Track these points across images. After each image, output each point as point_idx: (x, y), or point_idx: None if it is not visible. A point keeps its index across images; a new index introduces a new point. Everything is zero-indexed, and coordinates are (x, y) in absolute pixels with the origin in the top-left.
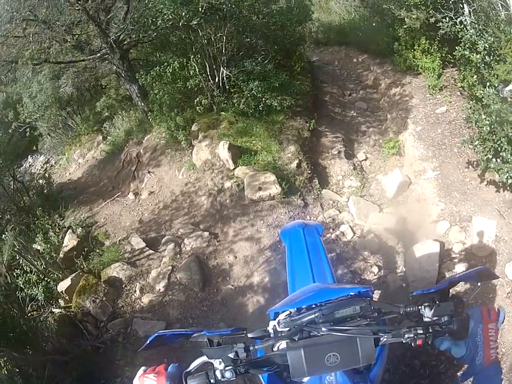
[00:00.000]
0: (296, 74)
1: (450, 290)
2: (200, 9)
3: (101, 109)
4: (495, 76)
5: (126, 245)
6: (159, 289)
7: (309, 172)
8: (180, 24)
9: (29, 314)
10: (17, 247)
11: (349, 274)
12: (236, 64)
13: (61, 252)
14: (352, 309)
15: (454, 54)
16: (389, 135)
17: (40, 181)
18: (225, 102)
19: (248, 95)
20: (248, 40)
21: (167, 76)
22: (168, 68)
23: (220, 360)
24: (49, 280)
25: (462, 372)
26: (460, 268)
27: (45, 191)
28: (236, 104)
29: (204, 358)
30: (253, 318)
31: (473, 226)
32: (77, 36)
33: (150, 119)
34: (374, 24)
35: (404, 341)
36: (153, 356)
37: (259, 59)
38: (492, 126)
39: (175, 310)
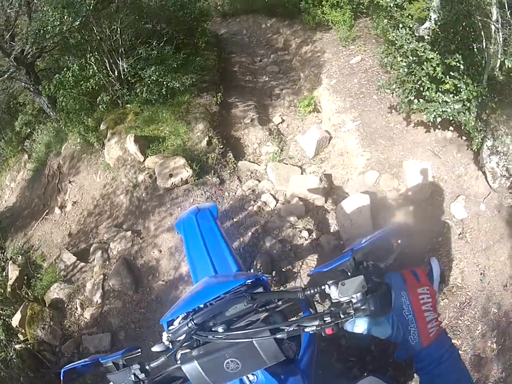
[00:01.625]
0: (201, 50)
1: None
2: (87, 7)
3: (20, 127)
4: (409, 16)
5: (59, 263)
6: (97, 301)
7: (221, 146)
8: (65, 28)
9: None
10: None
11: (278, 244)
12: (133, 53)
13: (8, 286)
14: (243, 304)
15: (364, 3)
16: (304, 94)
17: None
18: (128, 94)
19: (149, 82)
20: (149, 26)
21: (69, 81)
22: (68, 72)
23: None
24: (3, 317)
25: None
26: (399, 216)
27: None
28: (139, 94)
29: None
30: None
31: (405, 172)
32: None
33: (63, 128)
34: None
35: (310, 332)
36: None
37: (154, 43)
38: (410, 67)
39: (115, 318)
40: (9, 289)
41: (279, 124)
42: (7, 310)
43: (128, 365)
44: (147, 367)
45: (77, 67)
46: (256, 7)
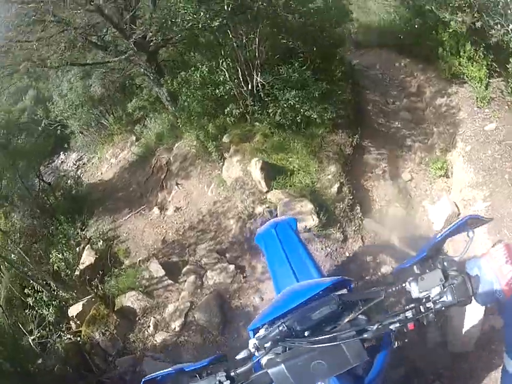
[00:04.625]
0: (337, 80)
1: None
2: (225, 7)
3: (132, 109)
4: None
5: (144, 270)
6: (175, 328)
7: (351, 197)
8: (200, 26)
9: (38, 335)
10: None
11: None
12: (271, 70)
13: (77, 269)
14: (328, 307)
15: (501, 62)
16: (436, 153)
17: (69, 181)
18: (260, 112)
19: (285, 105)
20: (284, 41)
21: (195, 81)
22: (196, 72)
23: None
24: (60, 299)
25: None
26: None
27: (73, 192)
28: (271, 115)
29: None
30: None
31: None
32: (101, 36)
33: (180, 126)
34: (416, 27)
35: (393, 329)
36: None
37: (296, 65)
38: None
39: (189, 353)
40: (77, 273)
41: (407, 181)
42: (67, 294)
43: (213, 372)
44: (232, 374)
45: (206, 69)
46: (390, 42)
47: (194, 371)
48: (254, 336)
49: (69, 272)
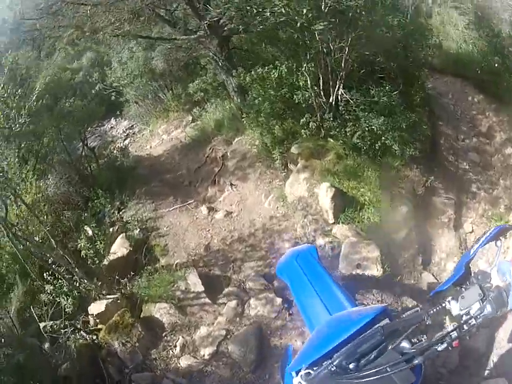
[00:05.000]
0: (415, 106)
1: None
2: (323, 8)
3: (193, 90)
4: None
5: (181, 278)
6: (204, 355)
7: (416, 246)
8: (298, 25)
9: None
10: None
11: None
12: (357, 86)
13: (106, 258)
14: (374, 339)
15: None
16: (500, 209)
17: (115, 151)
18: (337, 128)
19: (367, 128)
20: (367, 54)
21: (271, 81)
22: (273, 71)
23: None
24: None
25: None
26: None
27: (117, 164)
28: (348, 134)
29: None
30: None
31: None
32: (170, 10)
33: (245, 122)
34: (496, 66)
35: (439, 350)
36: None
37: (387, 88)
38: None
39: None
40: (105, 262)
41: (468, 233)
42: (90, 286)
43: None
44: None
45: (285, 70)
46: (466, 73)
47: None
48: (297, 375)
49: (97, 260)
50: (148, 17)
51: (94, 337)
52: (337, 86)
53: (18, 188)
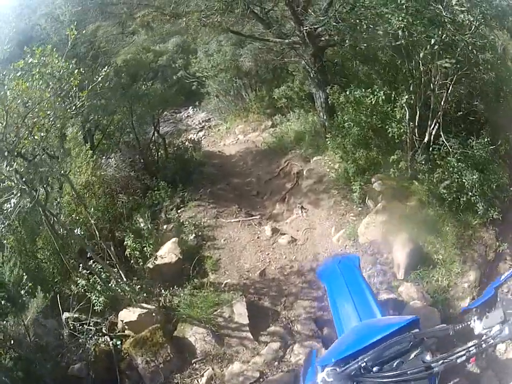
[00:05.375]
0: (498, 158)
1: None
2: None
3: (278, 96)
4: None
5: (227, 304)
6: None
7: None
8: (421, 55)
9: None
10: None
11: None
12: (455, 131)
13: (151, 262)
14: (401, 346)
15: None
16: None
17: (187, 143)
18: (426, 172)
19: (457, 179)
20: (464, 93)
21: (365, 106)
22: (370, 97)
23: None
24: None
25: None
26: None
27: (186, 156)
28: (434, 181)
29: None
30: None
31: None
32: (265, 10)
33: (328, 141)
34: None
35: (458, 362)
36: None
37: (485, 139)
38: None
39: None
40: (150, 265)
41: None
42: (127, 286)
43: None
44: None
45: (383, 97)
46: None
47: None
48: (322, 371)
49: (141, 261)
50: (242, 12)
51: (118, 342)
52: (432, 125)
53: (73, 164)
